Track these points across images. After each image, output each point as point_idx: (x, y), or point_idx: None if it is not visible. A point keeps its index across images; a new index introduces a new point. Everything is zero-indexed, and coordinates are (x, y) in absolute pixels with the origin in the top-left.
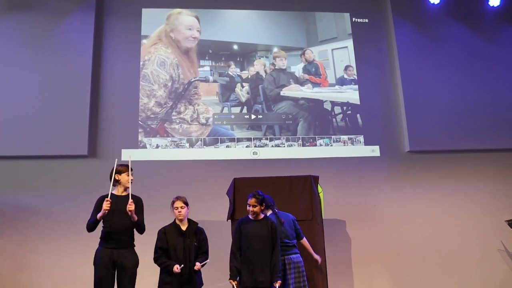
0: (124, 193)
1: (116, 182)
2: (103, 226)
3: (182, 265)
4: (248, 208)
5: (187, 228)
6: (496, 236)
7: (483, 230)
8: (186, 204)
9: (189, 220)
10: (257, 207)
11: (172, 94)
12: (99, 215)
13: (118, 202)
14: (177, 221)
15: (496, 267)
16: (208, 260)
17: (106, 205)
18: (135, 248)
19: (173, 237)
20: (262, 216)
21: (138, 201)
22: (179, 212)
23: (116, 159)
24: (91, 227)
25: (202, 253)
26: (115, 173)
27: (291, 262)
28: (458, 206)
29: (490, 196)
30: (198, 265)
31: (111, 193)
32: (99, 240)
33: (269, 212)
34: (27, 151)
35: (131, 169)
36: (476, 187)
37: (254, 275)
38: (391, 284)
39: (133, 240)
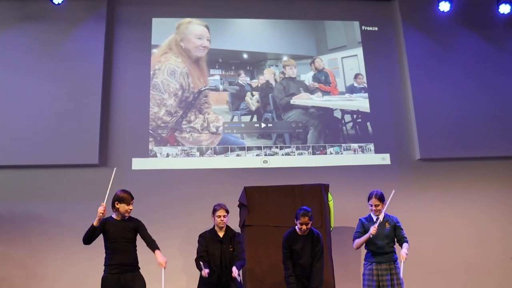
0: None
1: (115, 209)
2: (106, 252)
3: (208, 271)
4: (301, 226)
5: (224, 235)
6: (508, 244)
7: (495, 239)
8: (228, 212)
9: (227, 227)
10: (309, 224)
11: (182, 103)
12: (95, 221)
13: (119, 226)
14: (216, 228)
15: (510, 277)
16: (244, 264)
17: (101, 209)
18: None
19: (211, 244)
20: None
21: (138, 223)
22: (221, 220)
23: (115, 168)
24: (87, 237)
25: (237, 258)
26: (116, 200)
27: None
28: (469, 215)
29: (502, 205)
30: (234, 271)
31: (111, 217)
32: (104, 267)
33: None
34: (38, 160)
35: (132, 198)
36: (488, 195)
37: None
38: None
39: (137, 263)
